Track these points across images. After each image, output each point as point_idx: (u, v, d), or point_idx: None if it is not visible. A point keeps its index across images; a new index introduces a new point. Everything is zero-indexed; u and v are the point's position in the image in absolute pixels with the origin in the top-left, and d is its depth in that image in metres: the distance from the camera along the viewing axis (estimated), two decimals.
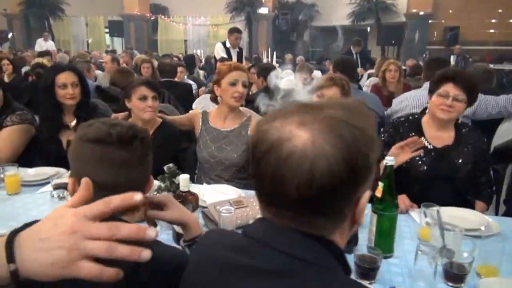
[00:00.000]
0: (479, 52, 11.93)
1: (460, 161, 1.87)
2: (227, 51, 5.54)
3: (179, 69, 4.98)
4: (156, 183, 1.66)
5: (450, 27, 11.83)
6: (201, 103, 3.10)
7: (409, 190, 1.85)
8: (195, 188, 1.52)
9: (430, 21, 12.28)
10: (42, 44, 10.78)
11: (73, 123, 2.28)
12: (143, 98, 2.04)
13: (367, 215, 1.29)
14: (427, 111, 1.96)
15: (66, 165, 2.19)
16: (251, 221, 1.46)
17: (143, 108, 2.04)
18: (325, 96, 1.95)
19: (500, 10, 11.58)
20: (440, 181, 1.89)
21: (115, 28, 14.60)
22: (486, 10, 11.68)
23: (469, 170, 1.88)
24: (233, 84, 2.04)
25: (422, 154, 1.85)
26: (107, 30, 15.46)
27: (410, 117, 2.07)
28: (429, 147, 1.90)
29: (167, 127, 2.17)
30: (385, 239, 1.27)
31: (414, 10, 12.26)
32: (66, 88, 2.18)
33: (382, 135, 2.07)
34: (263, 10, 13.19)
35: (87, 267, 0.45)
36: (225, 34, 15.89)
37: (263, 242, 0.59)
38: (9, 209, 1.66)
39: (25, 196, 1.78)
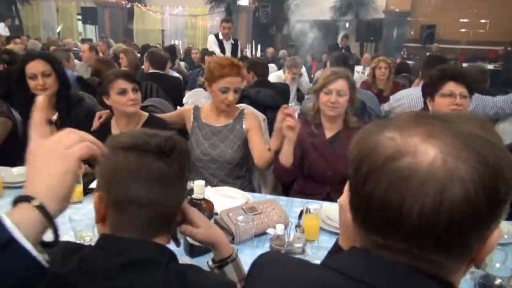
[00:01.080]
0: (453, 51, 12.25)
1: None
2: (220, 43, 5.30)
3: None
4: None
5: (427, 26, 12.04)
6: (192, 98, 2.96)
7: None
8: None
9: (408, 18, 12.45)
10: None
11: (55, 116, 2.09)
12: (123, 92, 1.88)
13: None
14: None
15: None
16: (269, 230, 1.36)
17: (125, 103, 1.89)
18: (333, 92, 1.85)
19: (475, 10, 11.88)
20: None
21: (89, 15, 13.96)
22: (461, 10, 11.95)
23: None
24: (224, 91, 1.91)
25: None
26: (79, 17, 14.77)
27: None
28: None
29: (156, 121, 2.02)
30: None
31: (393, 8, 12.40)
32: (36, 79, 2.01)
33: None
34: (244, 2, 12.98)
35: (78, 147, 0.57)
36: (204, 25, 15.54)
37: (370, 284, 0.48)
38: None
39: (8, 201, 1.60)
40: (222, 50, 5.26)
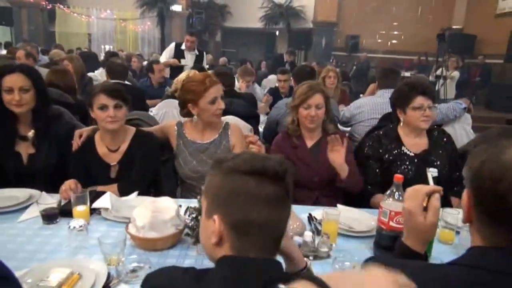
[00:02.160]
0: (374, 59, 13.43)
1: (439, 163, 2.08)
2: (180, 53, 5.21)
3: None
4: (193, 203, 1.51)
5: (351, 36, 13.01)
6: (163, 109, 2.90)
7: None
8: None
9: (334, 29, 13.32)
10: None
11: (31, 133, 1.94)
12: (103, 107, 1.82)
13: None
14: (401, 124, 2.13)
15: (28, 184, 1.87)
16: (296, 238, 1.44)
17: (104, 119, 1.83)
18: (312, 107, 1.99)
19: (392, 24, 13.14)
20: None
21: (2, 16, 12.58)
22: (380, 22, 13.13)
23: (447, 170, 2.11)
24: (213, 102, 1.92)
25: (407, 163, 2.04)
26: None
27: (385, 130, 2.24)
28: (410, 154, 2.08)
29: (144, 136, 1.98)
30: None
31: (320, 18, 13.18)
32: (12, 93, 1.84)
33: (365, 149, 2.20)
34: (177, 8, 12.80)
35: None
36: (134, 30, 14.93)
37: None
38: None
39: (3, 227, 1.47)
40: (181, 58, 5.20)
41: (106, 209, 1.60)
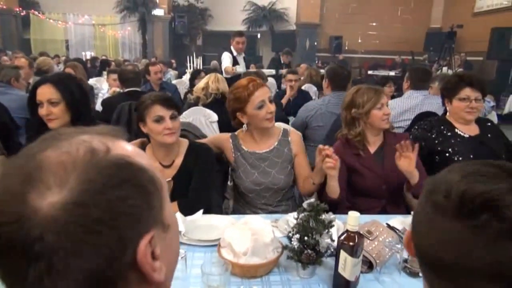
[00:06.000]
0: (357, 59, 13.63)
1: (494, 147, 2.06)
2: (234, 59, 4.72)
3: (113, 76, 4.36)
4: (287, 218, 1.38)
5: (335, 37, 13.10)
6: (190, 117, 2.74)
7: None
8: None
9: (317, 30, 13.38)
10: None
11: None
12: (160, 119, 1.68)
13: None
14: (448, 115, 2.16)
15: None
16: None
17: (161, 132, 1.68)
18: (384, 105, 1.87)
19: (375, 24, 13.36)
20: None
21: None
22: (360, 23, 13.33)
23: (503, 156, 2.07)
24: (261, 106, 1.81)
25: (463, 145, 2.04)
26: None
27: (433, 118, 2.27)
28: (466, 136, 2.07)
29: (199, 148, 1.84)
30: None
31: (303, 20, 13.22)
32: (42, 106, 1.70)
33: (412, 131, 2.22)
34: (159, 12, 12.49)
35: None
36: (114, 35, 14.53)
37: None
38: None
39: None
40: (236, 65, 4.75)
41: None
